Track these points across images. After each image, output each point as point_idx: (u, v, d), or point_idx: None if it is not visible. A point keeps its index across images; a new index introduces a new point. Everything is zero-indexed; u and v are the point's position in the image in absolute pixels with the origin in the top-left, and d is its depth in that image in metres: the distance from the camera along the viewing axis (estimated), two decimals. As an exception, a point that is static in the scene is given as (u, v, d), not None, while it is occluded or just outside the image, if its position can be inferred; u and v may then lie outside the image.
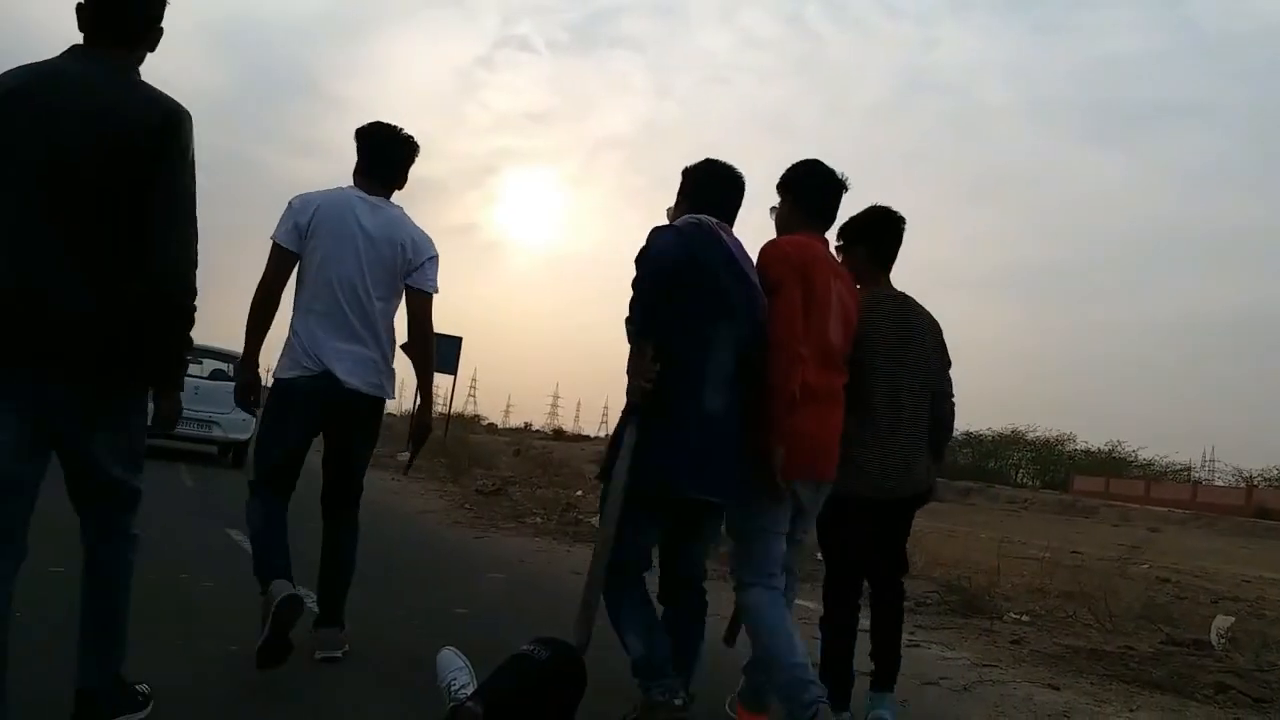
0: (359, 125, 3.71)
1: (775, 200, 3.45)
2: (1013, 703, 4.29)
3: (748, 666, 3.45)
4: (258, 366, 3.66)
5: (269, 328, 3.59)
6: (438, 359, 4.21)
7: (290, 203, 3.59)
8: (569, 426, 75.60)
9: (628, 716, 2.81)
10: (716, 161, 3.31)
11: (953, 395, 3.69)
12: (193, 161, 2.48)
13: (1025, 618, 6.49)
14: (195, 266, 2.48)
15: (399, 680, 3.53)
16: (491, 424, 61.97)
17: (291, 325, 3.56)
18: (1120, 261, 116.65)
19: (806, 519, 3.32)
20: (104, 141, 2.30)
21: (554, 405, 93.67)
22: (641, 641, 2.86)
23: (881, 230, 3.67)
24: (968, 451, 48.18)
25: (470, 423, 46.69)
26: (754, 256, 3.21)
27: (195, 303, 2.48)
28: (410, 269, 3.67)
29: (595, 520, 5.59)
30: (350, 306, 3.52)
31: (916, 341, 3.55)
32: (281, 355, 3.56)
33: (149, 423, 2.54)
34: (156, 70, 2.51)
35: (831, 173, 3.41)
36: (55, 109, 2.30)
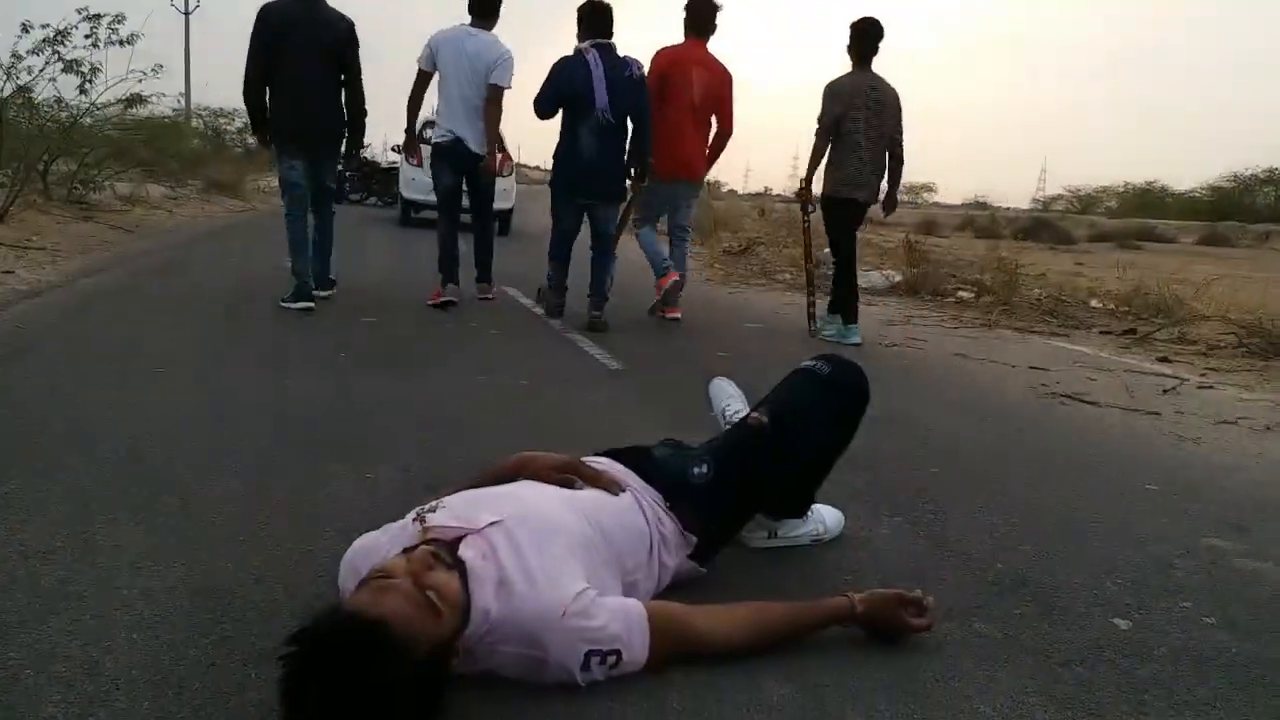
0: None
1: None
2: (1326, 442, 3.94)
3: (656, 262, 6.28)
4: (415, 134, 6.30)
5: (418, 114, 6.13)
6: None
7: (429, 40, 5.82)
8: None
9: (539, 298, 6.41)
10: (593, 1, 5.57)
11: (902, 141, 5.97)
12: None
13: (1340, 360, 5.85)
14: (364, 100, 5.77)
15: (672, 404, 3.74)
16: (731, 190, 61.40)
17: (435, 111, 6.13)
18: None
19: (677, 204, 6.36)
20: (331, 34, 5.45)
21: (794, 168, 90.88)
22: (555, 271, 6.06)
23: (859, 36, 5.88)
24: (1269, 191, 42.03)
25: (710, 189, 46.47)
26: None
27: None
28: (491, 68, 5.80)
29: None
30: (469, 100, 5.82)
31: (883, 107, 5.86)
32: (435, 129, 6.09)
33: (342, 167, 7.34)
34: None
35: (711, 1, 6.04)
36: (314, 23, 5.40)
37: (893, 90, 5.89)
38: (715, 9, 6.02)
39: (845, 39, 5.90)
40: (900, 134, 5.93)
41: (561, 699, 1.54)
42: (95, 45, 8.55)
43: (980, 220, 34.16)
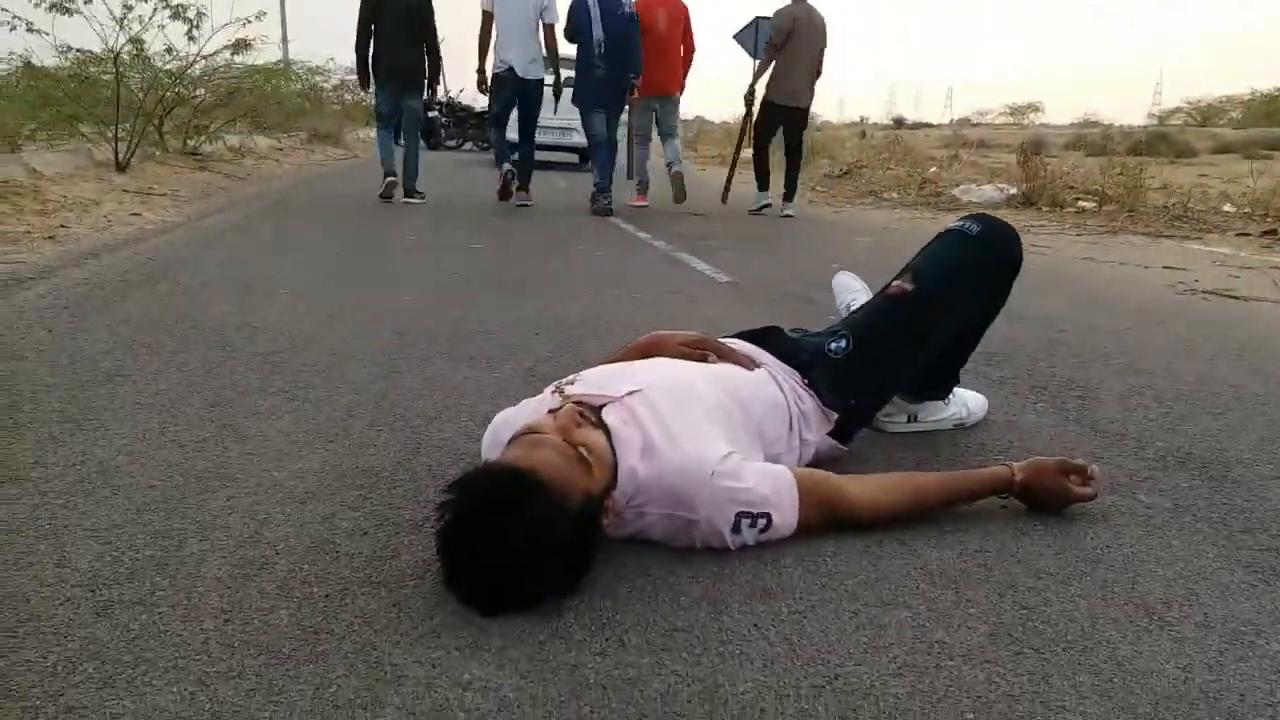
0: None
1: None
2: None
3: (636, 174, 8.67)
4: (483, 68, 7.57)
5: (487, 49, 7.50)
6: (752, 46, 9.66)
7: None
8: (910, 115, 70.88)
9: (594, 203, 7.75)
10: None
11: (824, 58, 7.70)
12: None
13: None
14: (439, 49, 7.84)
15: (787, 311, 3.64)
16: (826, 120, 59.72)
17: (494, 45, 7.47)
18: None
19: (660, 115, 8.22)
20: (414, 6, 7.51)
21: (891, 95, 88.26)
22: (600, 173, 7.75)
23: None
24: None
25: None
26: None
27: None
28: (541, 10, 7.38)
29: (953, 190, 10.19)
30: (517, 33, 7.32)
31: (814, 31, 7.53)
32: (493, 62, 7.51)
33: (429, 105, 8.75)
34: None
35: None
36: None
37: (821, 16, 7.66)
38: None
39: None
40: (824, 52, 7.68)
41: (712, 560, 1.51)
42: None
43: (1091, 137, 32.35)
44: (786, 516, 1.56)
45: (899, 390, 2.09)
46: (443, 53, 7.77)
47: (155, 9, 8.45)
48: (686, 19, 7.97)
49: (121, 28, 8.29)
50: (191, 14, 8.77)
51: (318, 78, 28.86)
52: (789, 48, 7.49)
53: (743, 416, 1.71)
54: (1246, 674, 1.24)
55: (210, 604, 1.34)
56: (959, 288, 1.94)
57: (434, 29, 7.62)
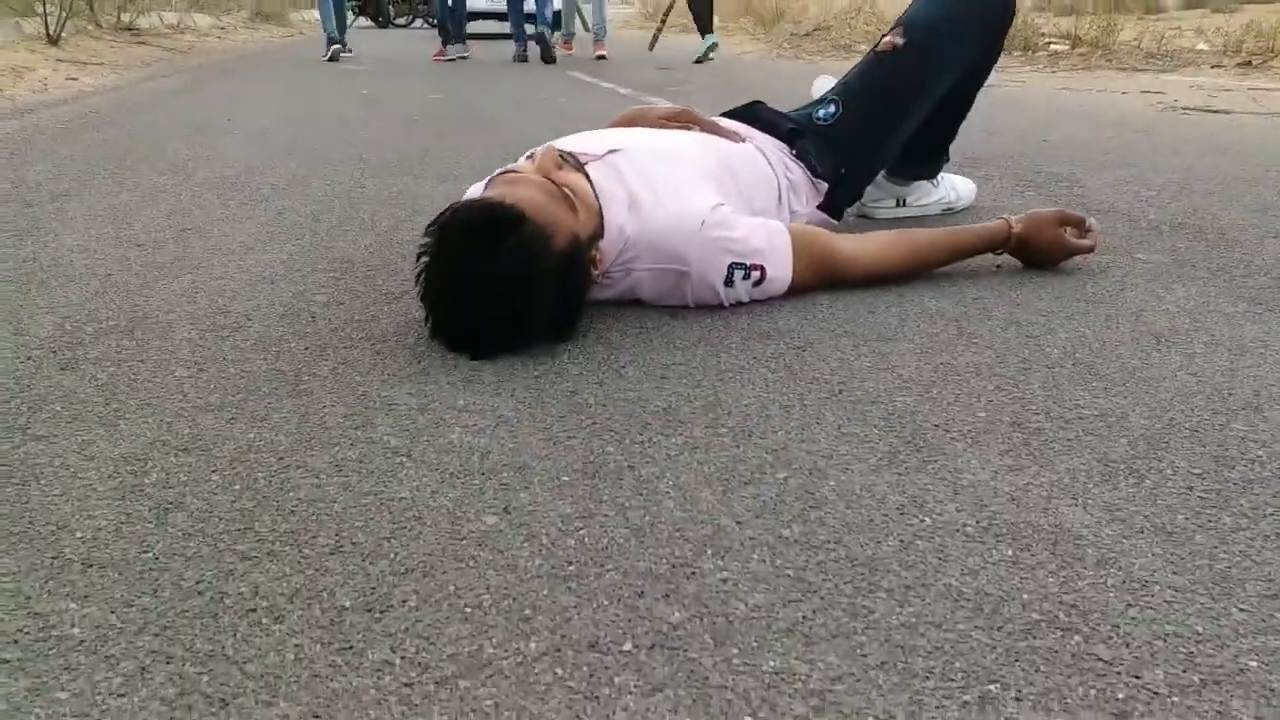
0: None
1: None
2: None
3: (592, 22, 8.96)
4: None
5: None
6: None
7: None
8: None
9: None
10: None
11: None
12: None
13: None
14: None
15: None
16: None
17: None
18: None
19: None
20: None
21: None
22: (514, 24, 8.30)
23: None
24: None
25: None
26: None
27: None
28: None
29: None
30: None
31: None
32: None
33: None
34: None
35: None
36: None
37: None
38: None
39: None
40: None
41: (707, 313, 1.45)
42: None
43: (1060, -3, 31.66)
44: (780, 270, 1.50)
45: (889, 159, 2.00)
46: None
47: None
48: None
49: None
50: None
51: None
52: None
53: (732, 182, 1.63)
54: (1261, 375, 1.21)
55: (182, 358, 1.27)
56: (951, 38, 1.83)
57: None
